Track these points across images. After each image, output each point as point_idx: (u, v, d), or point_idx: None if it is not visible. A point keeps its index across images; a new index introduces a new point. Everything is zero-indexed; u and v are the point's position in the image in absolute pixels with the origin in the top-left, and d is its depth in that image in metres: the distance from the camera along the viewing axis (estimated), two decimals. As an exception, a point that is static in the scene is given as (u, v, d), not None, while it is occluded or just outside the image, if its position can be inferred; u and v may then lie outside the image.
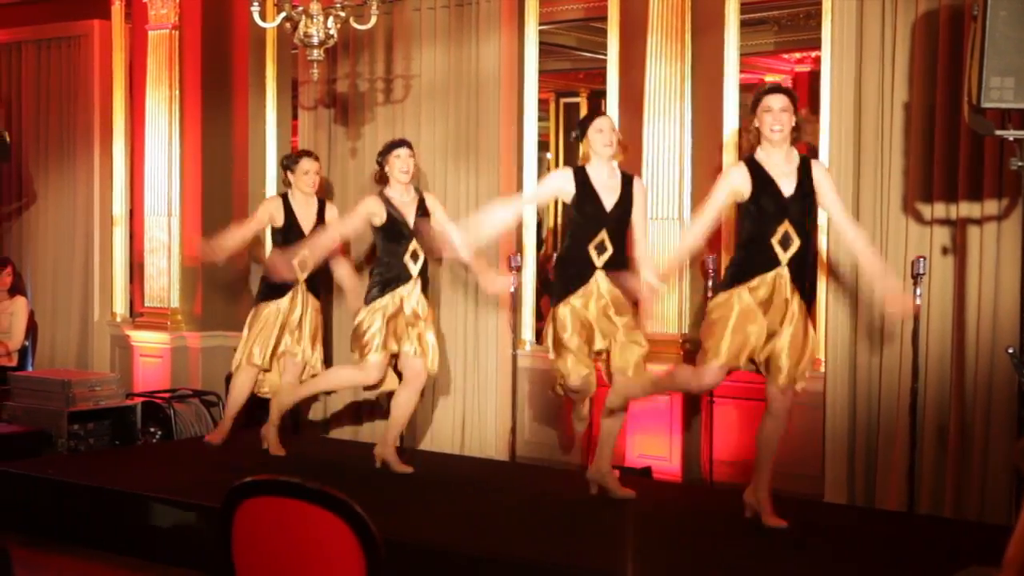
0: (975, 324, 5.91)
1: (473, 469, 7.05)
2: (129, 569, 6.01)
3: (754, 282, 5.30)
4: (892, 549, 5.23)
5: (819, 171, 5.43)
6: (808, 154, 5.61)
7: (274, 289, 7.20)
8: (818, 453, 6.40)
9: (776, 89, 5.50)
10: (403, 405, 6.75)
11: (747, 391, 6.73)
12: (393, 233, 6.64)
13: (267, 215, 7.23)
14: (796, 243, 5.29)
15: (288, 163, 7.32)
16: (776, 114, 5.31)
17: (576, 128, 6.04)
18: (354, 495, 2.70)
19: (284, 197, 7.25)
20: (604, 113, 6.42)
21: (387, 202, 6.62)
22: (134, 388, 8.68)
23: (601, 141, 5.85)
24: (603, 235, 5.81)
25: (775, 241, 5.30)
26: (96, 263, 9.38)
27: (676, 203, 6.87)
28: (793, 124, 5.34)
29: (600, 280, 5.82)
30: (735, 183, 5.40)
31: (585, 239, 5.83)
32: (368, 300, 6.65)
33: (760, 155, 5.38)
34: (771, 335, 5.32)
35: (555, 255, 5.89)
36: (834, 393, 6.35)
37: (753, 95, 5.47)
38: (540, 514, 5.89)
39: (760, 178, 5.33)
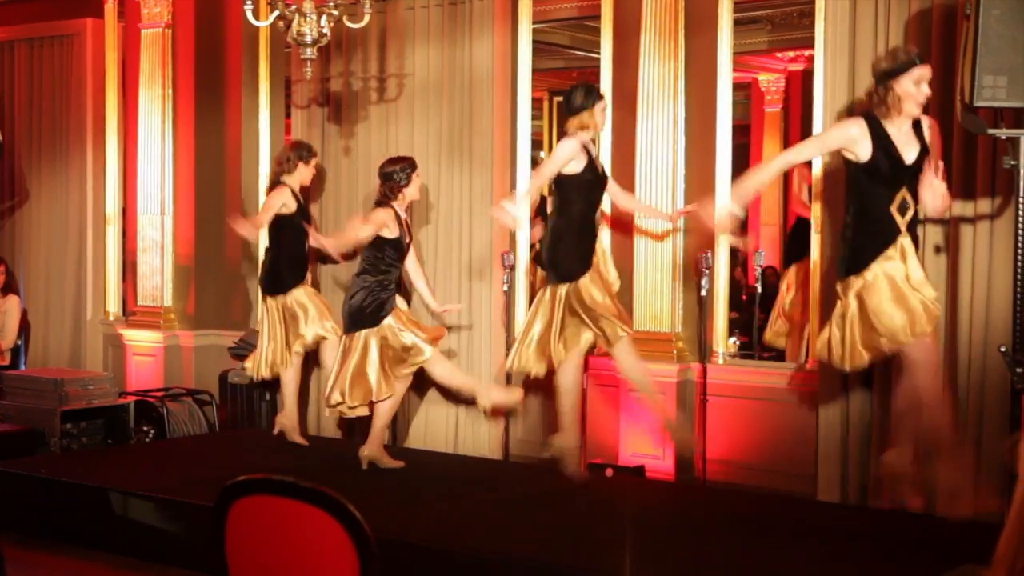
0: (968, 322, 5.92)
1: (466, 468, 7.06)
2: (122, 568, 6.00)
3: (876, 263, 5.24)
4: (885, 548, 5.24)
5: (928, 130, 5.38)
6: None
7: (288, 280, 7.34)
8: (811, 452, 6.41)
9: (921, 60, 5.27)
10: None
11: (742, 390, 6.75)
12: (402, 248, 6.77)
13: (279, 203, 7.28)
14: (912, 209, 5.26)
15: (306, 155, 7.39)
16: (922, 88, 5.21)
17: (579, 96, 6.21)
18: (347, 494, 2.70)
19: (286, 186, 7.31)
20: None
21: (398, 218, 6.73)
22: (127, 387, 8.68)
23: None
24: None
25: (894, 209, 5.23)
26: (89, 262, 9.37)
27: (669, 202, 6.87)
28: None
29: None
30: (852, 133, 5.26)
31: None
32: (383, 317, 6.63)
33: (881, 117, 5.27)
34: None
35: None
36: (827, 391, 6.35)
37: (890, 61, 5.27)
38: (533, 513, 5.89)
39: (880, 139, 5.22)
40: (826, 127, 6.12)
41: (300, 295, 7.33)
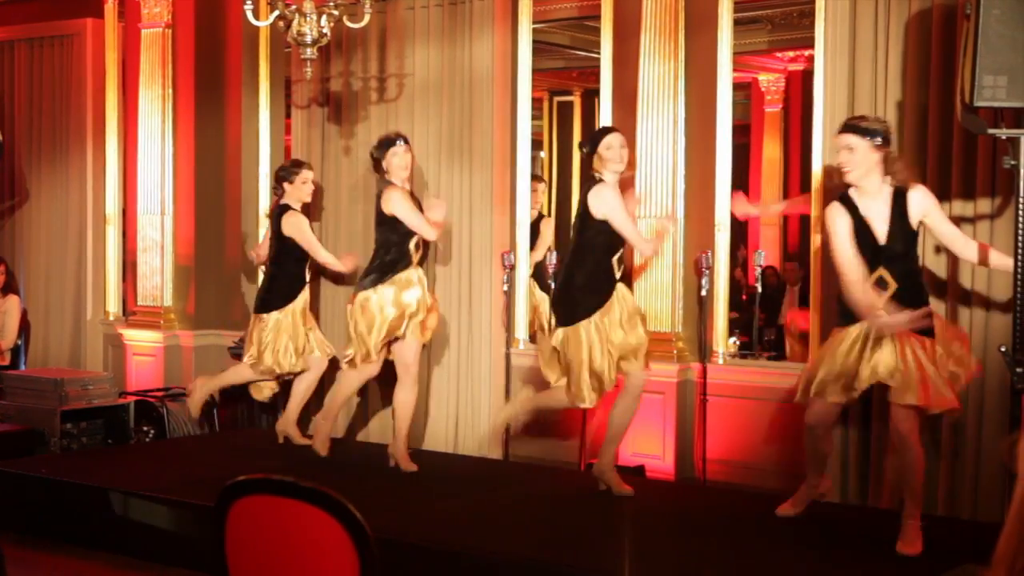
0: (968, 322, 5.92)
1: (467, 468, 7.06)
2: (122, 568, 6.00)
3: (852, 329, 5.15)
4: (885, 547, 5.23)
5: (922, 202, 5.21)
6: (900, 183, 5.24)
7: (272, 304, 7.27)
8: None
9: (843, 128, 5.25)
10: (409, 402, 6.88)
11: (742, 390, 6.74)
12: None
13: (307, 224, 7.31)
14: (892, 286, 5.14)
15: (286, 174, 7.30)
16: (839, 158, 5.17)
17: (587, 143, 5.99)
18: (348, 494, 2.70)
19: (291, 208, 7.26)
20: (615, 129, 6.10)
21: (410, 195, 6.77)
22: (127, 387, 8.68)
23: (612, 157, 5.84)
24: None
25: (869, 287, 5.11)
26: (89, 262, 9.38)
27: (669, 202, 6.87)
28: (872, 160, 5.13)
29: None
30: (840, 217, 5.14)
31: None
32: (370, 286, 6.68)
33: (852, 193, 5.21)
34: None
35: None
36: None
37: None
38: (534, 513, 5.89)
39: (856, 219, 5.14)
40: (826, 132, 6.16)
41: (278, 322, 7.23)
